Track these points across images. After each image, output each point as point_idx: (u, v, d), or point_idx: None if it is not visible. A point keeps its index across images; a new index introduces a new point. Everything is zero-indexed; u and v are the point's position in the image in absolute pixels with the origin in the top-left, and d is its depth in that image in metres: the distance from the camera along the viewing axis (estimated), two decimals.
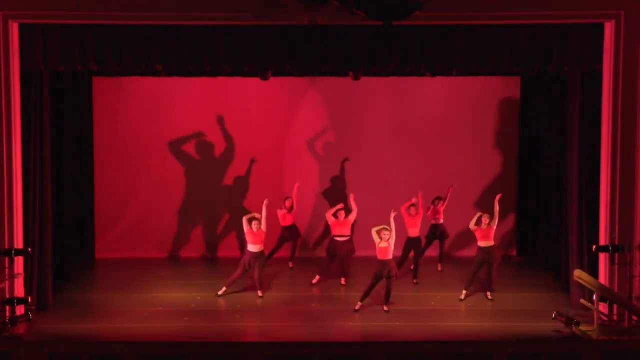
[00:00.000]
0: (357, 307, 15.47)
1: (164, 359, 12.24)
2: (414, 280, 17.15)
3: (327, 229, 17.99)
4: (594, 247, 14.92)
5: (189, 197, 19.21)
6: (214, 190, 19.24)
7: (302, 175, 18.63)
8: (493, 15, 14.68)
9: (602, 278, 15.09)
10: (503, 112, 19.25)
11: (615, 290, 14.73)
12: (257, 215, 16.19)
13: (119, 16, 14.52)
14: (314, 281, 17.00)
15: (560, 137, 16.97)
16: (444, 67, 15.62)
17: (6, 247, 14.67)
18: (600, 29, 14.90)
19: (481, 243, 16.09)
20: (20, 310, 14.54)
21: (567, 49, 14.91)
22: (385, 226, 15.36)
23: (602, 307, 14.63)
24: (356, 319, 15.27)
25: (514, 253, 19.42)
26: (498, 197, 16.38)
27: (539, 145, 18.46)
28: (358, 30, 14.70)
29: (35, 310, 14.86)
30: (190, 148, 19.11)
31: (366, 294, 15.46)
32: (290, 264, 18.15)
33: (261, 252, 16.18)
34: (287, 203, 17.83)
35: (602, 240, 15.10)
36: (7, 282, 14.58)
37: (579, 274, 14.68)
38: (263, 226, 16.11)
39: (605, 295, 14.44)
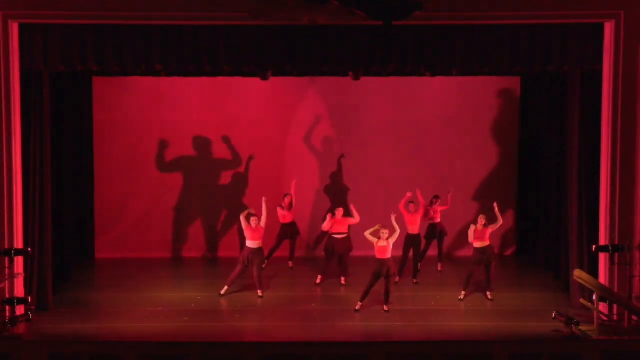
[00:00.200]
0: (357, 307, 15.47)
1: (164, 359, 12.23)
2: (414, 280, 17.15)
3: None
4: (594, 247, 14.92)
5: (189, 197, 19.20)
6: (214, 190, 19.23)
7: (302, 176, 18.62)
8: (493, 15, 14.69)
9: (602, 278, 15.09)
10: (503, 112, 19.25)
11: (615, 290, 14.73)
12: (252, 211, 16.23)
13: (119, 16, 14.53)
14: (317, 281, 17.00)
15: (560, 137, 16.97)
16: (444, 67, 15.62)
17: (6, 247, 14.68)
18: (600, 29, 14.90)
19: (476, 244, 16.10)
20: (20, 310, 14.52)
21: (567, 49, 14.91)
22: (379, 226, 15.35)
23: (602, 307, 14.63)
24: (356, 319, 15.27)
25: (509, 252, 19.41)
26: (495, 205, 16.38)
27: (539, 145, 18.46)
28: (358, 30, 14.70)
29: (35, 310, 14.86)
30: (190, 148, 19.10)
31: (366, 294, 15.46)
32: (290, 264, 18.15)
33: (260, 249, 16.19)
34: (287, 200, 17.83)
35: (602, 240, 15.10)
36: (7, 282, 14.58)
37: (579, 274, 14.69)
38: (263, 222, 16.14)
39: (605, 295, 14.44)
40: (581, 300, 14.69)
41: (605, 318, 14.61)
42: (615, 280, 14.91)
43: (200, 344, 13.20)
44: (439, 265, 18.03)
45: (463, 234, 18.10)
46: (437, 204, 17.59)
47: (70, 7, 14.43)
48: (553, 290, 16.61)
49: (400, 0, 12.14)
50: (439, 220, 17.66)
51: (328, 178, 19.28)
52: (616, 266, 14.83)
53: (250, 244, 16.15)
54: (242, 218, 16.18)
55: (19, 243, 14.89)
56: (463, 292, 16.11)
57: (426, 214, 17.45)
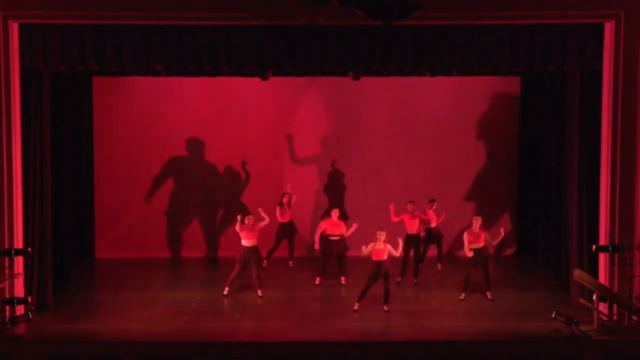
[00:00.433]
0: (355, 308, 15.47)
1: (164, 359, 12.23)
2: (414, 280, 17.15)
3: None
4: (594, 247, 14.92)
5: (188, 197, 19.18)
6: (214, 190, 19.22)
7: (302, 176, 18.63)
8: (493, 15, 14.68)
9: (602, 278, 15.09)
10: (503, 112, 19.24)
11: (615, 290, 14.73)
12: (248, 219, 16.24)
13: (119, 16, 14.53)
14: (316, 283, 17.00)
15: (560, 136, 16.97)
16: (444, 67, 15.62)
17: (6, 247, 14.68)
18: (600, 29, 14.90)
19: (472, 245, 16.11)
20: (20, 310, 14.52)
21: (567, 49, 14.91)
22: (379, 232, 15.34)
23: (602, 307, 14.63)
24: (356, 319, 15.27)
25: (509, 252, 19.40)
26: (502, 230, 16.42)
27: (539, 145, 18.46)
28: (358, 30, 14.70)
29: (35, 310, 14.86)
30: (190, 148, 19.10)
31: (363, 295, 15.44)
32: (291, 264, 18.14)
33: (255, 247, 16.19)
34: (285, 199, 17.81)
35: (602, 240, 15.10)
36: (7, 282, 14.58)
37: (579, 274, 14.69)
38: (263, 224, 16.17)
39: (605, 295, 14.44)
40: (581, 300, 14.68)
41: (605, 318, 14.61)
42: (615, 280, 14.91)
43: (200, 344, 13.22)
44: (439, 265, 18.02)
45: (463, 233, 18.09)
46: (433, 207, 17.46)
47: (70, 7, 14.44)
48: (553, 290, 16.61)
49: (400, 0, 12.15)
50: (433, 224, 17.59)
51: (327, 178, 19.27)
52: (616, 266, 14.83)
53: (245, 242, 16.15)
54: (237, 224, 16.15)
55: (19, 243, 14.89)
56: (463, 294, 16.11)
57: (421, 222, 17.39)
